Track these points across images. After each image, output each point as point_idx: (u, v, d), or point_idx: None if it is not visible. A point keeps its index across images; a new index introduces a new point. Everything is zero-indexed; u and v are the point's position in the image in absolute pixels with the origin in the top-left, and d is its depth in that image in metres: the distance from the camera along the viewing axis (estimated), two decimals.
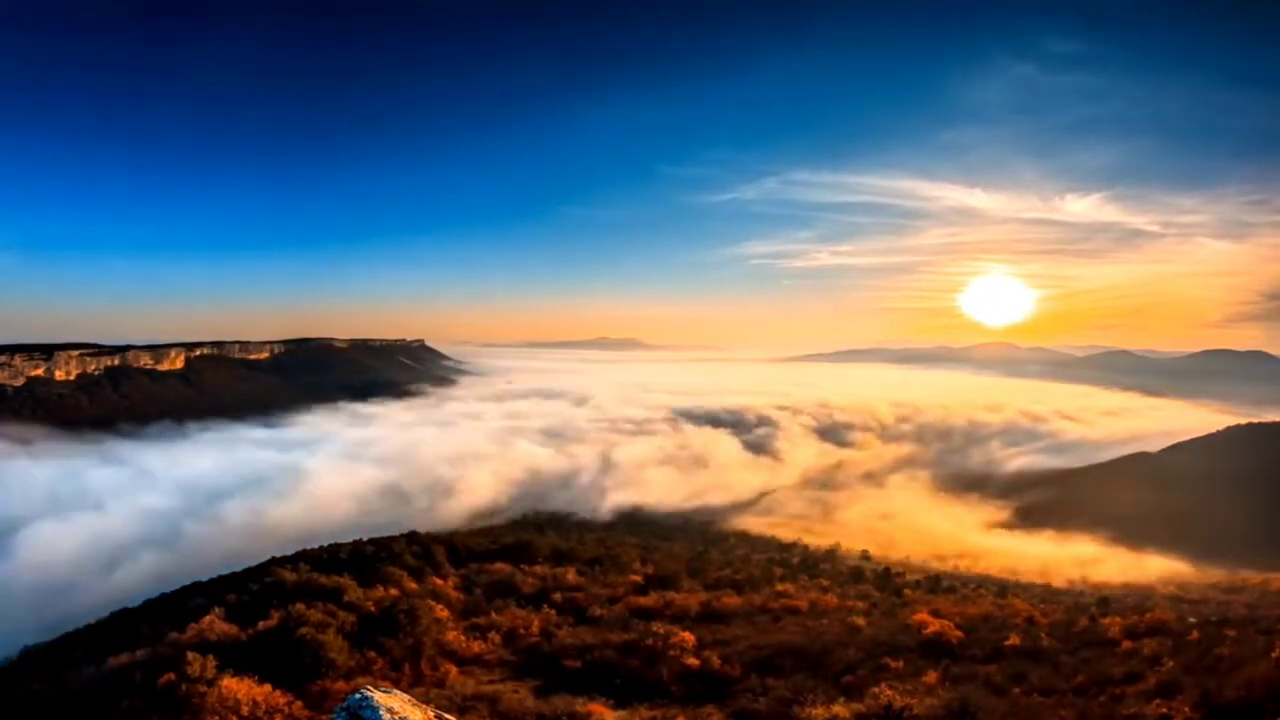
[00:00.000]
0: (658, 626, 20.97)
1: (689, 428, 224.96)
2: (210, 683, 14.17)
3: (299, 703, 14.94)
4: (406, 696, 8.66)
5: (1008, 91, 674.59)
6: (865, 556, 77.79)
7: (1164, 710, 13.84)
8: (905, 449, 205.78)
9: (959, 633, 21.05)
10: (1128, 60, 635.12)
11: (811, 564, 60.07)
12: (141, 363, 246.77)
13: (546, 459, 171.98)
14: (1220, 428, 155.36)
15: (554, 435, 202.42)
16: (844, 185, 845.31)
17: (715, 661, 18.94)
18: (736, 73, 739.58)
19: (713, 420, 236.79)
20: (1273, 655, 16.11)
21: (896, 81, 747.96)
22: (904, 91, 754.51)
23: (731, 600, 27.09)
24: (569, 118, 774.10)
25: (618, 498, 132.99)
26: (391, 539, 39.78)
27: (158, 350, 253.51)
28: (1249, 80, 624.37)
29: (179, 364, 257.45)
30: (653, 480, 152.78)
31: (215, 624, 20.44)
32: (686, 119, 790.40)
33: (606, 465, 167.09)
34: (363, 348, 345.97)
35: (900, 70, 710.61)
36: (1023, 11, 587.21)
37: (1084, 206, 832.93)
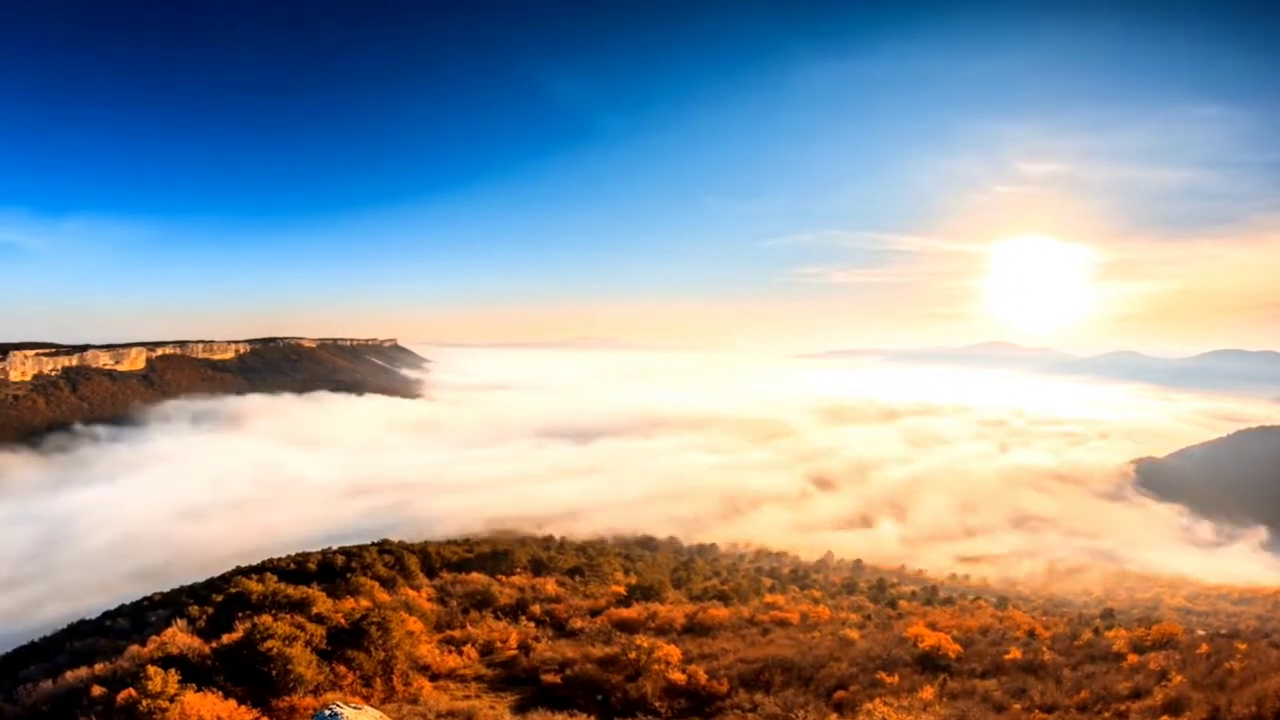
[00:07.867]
0: (641, 640, 20.35)
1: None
2: (172, 698, 13.52)
3: (265, 719, 14.42)
4: (377, 713, 8.32)
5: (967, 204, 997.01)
6: (859, 565, 77.42)
7: None
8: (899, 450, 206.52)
9: (956, 646, 20.50)
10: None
11: (802, 574, 59.61)
12: (100, 363, 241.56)
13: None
14: (1229, 433, 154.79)
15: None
16: (866, 238, 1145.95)
17: (701, 676, 18.32)
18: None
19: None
20: None
21: (901, 203, 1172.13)
22: (907, 208, 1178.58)
23: (718, 612, 26.36)
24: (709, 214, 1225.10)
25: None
26: (363, 548, 38.77)
27: (117, 350, 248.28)
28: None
29: (140, 364, 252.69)
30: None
31: (177, 636, 19.76)
32: (760, 211, 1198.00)
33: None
34: (332, 347, 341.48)
35: (908, 196, 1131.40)
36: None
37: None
